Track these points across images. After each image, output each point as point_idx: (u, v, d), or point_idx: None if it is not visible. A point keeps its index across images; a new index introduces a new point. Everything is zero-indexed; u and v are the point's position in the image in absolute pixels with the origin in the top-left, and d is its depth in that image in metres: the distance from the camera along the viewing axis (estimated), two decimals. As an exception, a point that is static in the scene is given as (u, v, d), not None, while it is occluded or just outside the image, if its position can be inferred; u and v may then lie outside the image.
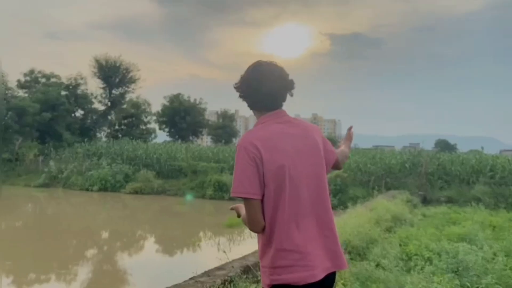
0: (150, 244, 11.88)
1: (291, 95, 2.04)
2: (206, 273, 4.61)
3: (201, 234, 12.49)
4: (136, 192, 19.38)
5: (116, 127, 35.18)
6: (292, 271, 1.82)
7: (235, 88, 2.04)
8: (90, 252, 10.66)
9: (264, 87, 1.94)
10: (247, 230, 11.88)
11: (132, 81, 32.46)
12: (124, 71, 31.78)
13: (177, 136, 42.77)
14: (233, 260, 5.20)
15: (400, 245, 6.61)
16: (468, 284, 4.43)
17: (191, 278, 4.45)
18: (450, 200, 14.52)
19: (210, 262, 8.31)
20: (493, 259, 5.20)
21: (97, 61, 31.29)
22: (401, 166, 17.37)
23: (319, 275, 1.85)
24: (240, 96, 2.03)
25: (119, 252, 10.79)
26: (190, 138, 44.56)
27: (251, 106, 2.03)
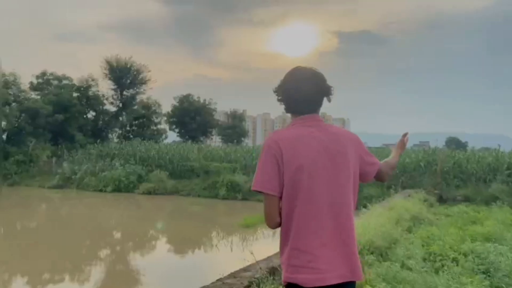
0: (165, 245, 11.90)
1: (329, 101, 2.06)
2: (232, 275, 4.58)
3: (215, 234, 12.53)
4: (149, 192, 19.45)
5: (127, 128, 35.33)
6: (301, 271, 1.86)
7: (274, 92, 2.09)
8: (104, 252, 10.71)
9: (298, 92, 2.00)
10: (261, 230, 11.93)
11: (143, 82, 32.56)
12: (135, 72, 31.88)
13: (187, 137, 42.84)
14: (258, 261, 5.17)
15: (422, 245, 6.53)
16: (503, 286, 4.34)
17: (218, 280, 4.43)
18: (466, 199, 14.36)
19: (230, 262, 8.35)
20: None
21: (108, 62, 31.40)
22: (415, 164, 17.20)
23: (329, 280, 1.85)
24: (278, 100, 2.09)
25: (135, 252, 10.81)
26: (200, 138, 44.65)
27: (287, 109, 2.08)
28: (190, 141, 37.13)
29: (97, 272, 8.80)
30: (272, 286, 4.36)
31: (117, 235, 13.18)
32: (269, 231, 12.09)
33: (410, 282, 4.64)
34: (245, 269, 4.78)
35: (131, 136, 33.34)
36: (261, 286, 4.40)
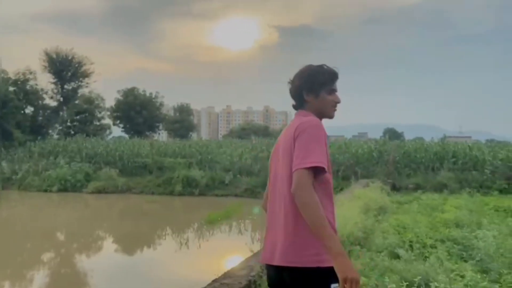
0: (114, 245, 11.20)
1: (316, 96, 2.10)
2: (227, 274, 4.40)
3: (174, 231, 12.10)
4: (99, 191, 18.58)
5: (68, 123, 33.63)
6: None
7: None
8: (48, 256, 9.90)
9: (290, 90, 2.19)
10: (220, 226, 11.78)
11: (85, 75, 31.08)
12: (77, 65, 30.35)
13: (132, 132, 41.57)
14: (247, 259, 5.04)
15: (399, 233, 6.68)
16: (489, 269, 4.50)
17: (214, 281, 4.23)
18: (418, 187, 14.95)
19: (194, 261, 8.14)
20: (502, 242, 5.33)
21: (47, 54, 29.64)
22: (368, 155, 17.74)
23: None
24: None
25: (81, 254, 10.05)
26: (147, 133, 43.51)
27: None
28: (136, 136, 36.05)
29: (40, 277, 8.17)
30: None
31: (62, 237, 12.33)
32: (226, 227, 11.97)
33: (400, 271, 4.70)
34: (239, 268, 4.61)
35: (73, 132, 31.80)
36: (258, 283, 4.27)
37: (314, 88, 2.10)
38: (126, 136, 41.75)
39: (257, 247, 9.69)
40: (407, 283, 4.02)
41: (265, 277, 4.34)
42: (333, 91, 2.13)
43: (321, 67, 2.13)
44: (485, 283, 3.93)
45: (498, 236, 5.40)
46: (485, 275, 4.34)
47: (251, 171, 18.03)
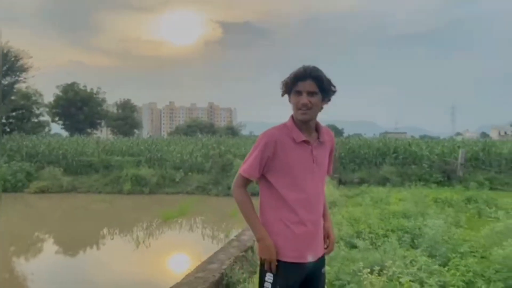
0: (56, 247, 10.67)
1: (289, 100, 2.19)
2: (201, 268, 4.56)
3: (124, 230, 11.90)
4: (42, 191, 17.80)
5: (4, 120, 31.75)
6: None
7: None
8: None
9: None
10: (171, 224, 11.74)
11: (22, 69, 29.47)
12: (13, 59, 28.70)
13: (73, 129, 39.98)
14: (216, 253, 5.21)
15: (352, 225, 7.11)
16: (436, 255, 4.98)
17: (188, 275, 4.37)
18: (362, 181, 15.76)
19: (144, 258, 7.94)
20: (446, 230, 5.88)
21: (-21, 47, 27.77)
22: (315, 151, 18.32)
23: None
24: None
25: (19, 257, 9.50)
26: (88, 130, 42.01)
27: None
28: (77, 133, 34.74)
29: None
30: (244, 275, 4.45)
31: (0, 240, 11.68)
32: (182, 224, 12.02)
33: (359, 259, 5.08)
34: (209, 262, 4.78)
35: (8, 130, 30.11)
36: (230, 275, 4.46)
37: (287, 91, 2.17)
38: (66, 133, 40.06)
39: (208, 243, 9.85)
40: (368, 269, 4.38)
41: (237, 269, 4.56)
42: (297, 92, 2.12)
43: (294, 71, 2.14)
44: (435, 266, 4.39)
45: (443, 225, 5.94)
46: (434, 259, 4.81)
47: (202, 168, 18.07)
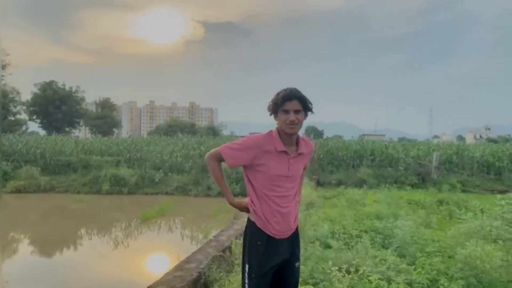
0: (32, 247, 10.43)
1: (275, 117, 2.57)
2: (179, 267, 4.68)
3: (103, 230, 11.89)
4: (19, 191, 17.60)
5: (-21, 118, 31.12)
6: None
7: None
8: None
9: None
10: (149, 225, 11.79)
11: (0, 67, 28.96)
12: (-11, 56, 28.19)
13: (51, 128, 39.38)
14: (194, 253, 5.34)
15: (328, 226, 7.33)
16: (405, 254, 5.23)
17: (166, 274, 4.50)
18: (340, 182, 16.07)
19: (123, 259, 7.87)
20: (416, 231, 6.14)
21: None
22: (294, 153, 18.55)
23: None
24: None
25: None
26: (66, 129, 41.43)
27: None
28: (55, 132, 34.26)
29: None
30: (221, 274, 4.60)
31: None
32: (165, 224, 12.07)
33: (332, 258, 5.29)
34: (187, 261, 4.91)
35: (-16, 128, 29.46)
36: (207, 274, 4.60)
37: (274, 111, 2.56)
38: (43, 132, 39.44)
39: (187, 243, 9.93)
40: (340, 268, 4.58)
41: (214, 268, 4.70)
42: (284, 111, 2.49)
43: (279, 93, 2.53)
44: (403, 265, 4.62)
45: (413, 226, 6.21)
46: (403, 259, 5.05)
47: (182, 169, 18.12)
